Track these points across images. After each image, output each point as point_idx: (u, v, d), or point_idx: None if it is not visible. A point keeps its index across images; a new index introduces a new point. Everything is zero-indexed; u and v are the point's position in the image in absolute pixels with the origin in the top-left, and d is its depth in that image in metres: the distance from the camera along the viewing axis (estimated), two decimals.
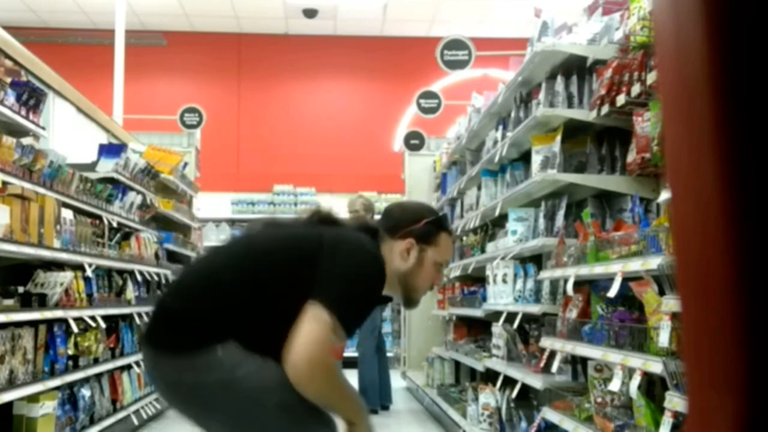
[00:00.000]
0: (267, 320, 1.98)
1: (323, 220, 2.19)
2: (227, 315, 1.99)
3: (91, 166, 5.57)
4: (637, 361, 2.67)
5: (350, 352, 10.26)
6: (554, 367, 3.64)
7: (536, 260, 4.61)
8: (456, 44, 7.53)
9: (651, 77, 3.04)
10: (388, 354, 10.25)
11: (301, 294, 1.94)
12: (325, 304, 1.92)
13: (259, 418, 1.97)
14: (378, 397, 6.52)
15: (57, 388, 4.19)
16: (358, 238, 2.12)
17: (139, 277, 5.94)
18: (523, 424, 4.20)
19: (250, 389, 1.95)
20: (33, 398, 3.90)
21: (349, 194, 11.73)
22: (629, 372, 2.80)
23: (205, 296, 2.04)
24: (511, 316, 4.57)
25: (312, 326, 1.91)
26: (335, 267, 2.01)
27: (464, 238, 6.45)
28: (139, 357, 5.47)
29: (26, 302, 3.89)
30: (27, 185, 3.99)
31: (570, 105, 4.01)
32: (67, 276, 4.34)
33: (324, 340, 1.91)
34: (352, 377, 2.17)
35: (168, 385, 2.03)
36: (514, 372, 4.34)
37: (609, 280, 3.05)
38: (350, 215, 5.10)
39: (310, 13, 11.60)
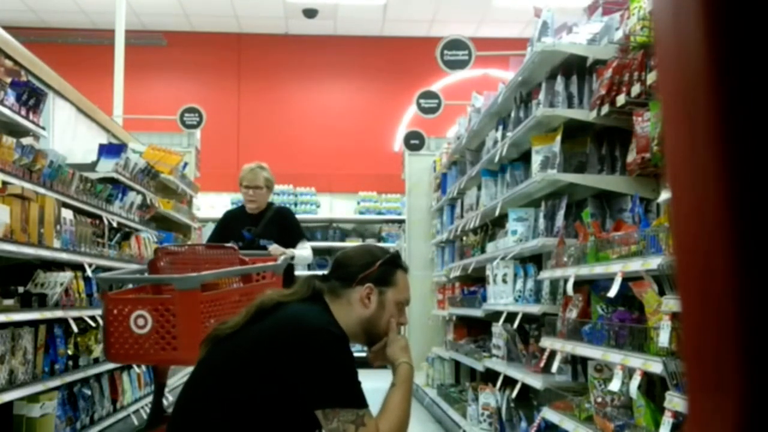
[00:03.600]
0: None
1: (264, 311, 2.14)
2: None
3: (91, 166, 5.57)
4: (637, 361, 2.67)
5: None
6: (554, 367, 3.64)
7: (536, 260, 4.61)
8: (456, 44, 7.53)
9: (651, 77, 3.04)
10: None
11: (286, 398, 1.97)
12: (334, 410, 1.96)
13: None
14: None
15: (57, 388, 4.18)
16: (314, 319, 2.09)
17: None
18: (523, 424, 4.20)
19: None
20: (33, 398, 3.90)
21: (350, 194, 11.83)
22: (629, 372, 2.80)
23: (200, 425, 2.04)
24: (511, 316, 4.57)
25: None
26: (315, 366, 1.99)
27: (464, 238, 6.45)
28: None
29: (26, 302, 3.89)
30: (27, 185, 3.99)
31: (570, 105, 4.01)
32: (67, 276, 4.34)
33: None
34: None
35: None
36: (514, 372, 4.34)
37: (609, 280, 3.05)
38: (252, 190, 4.88)
39: (310, 13, 11.60)
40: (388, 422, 2.04)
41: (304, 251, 4.79)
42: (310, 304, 2.17)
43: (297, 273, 4.81)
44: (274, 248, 4.49)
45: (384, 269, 2.24)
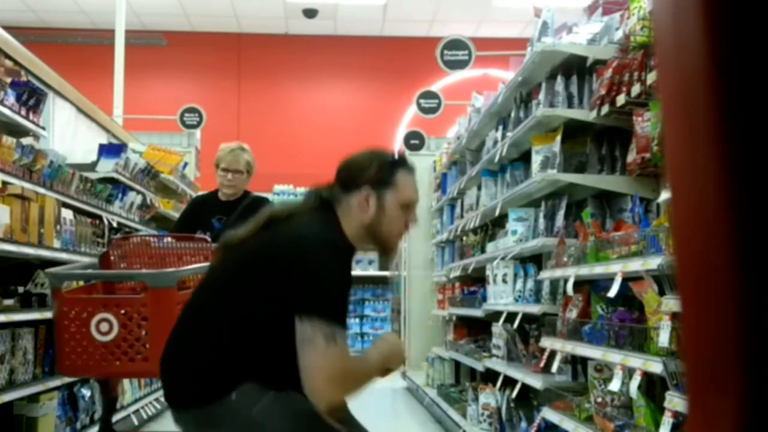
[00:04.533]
0: (267, 354, 1.97)
1: (274, 220, 2.09)
2: (228, 363, 1.97)
3: (91, 166, 5.57)
4: (637, 361, 2.67)
5: None
6: (554, 367, 3.64)
7: (536, 260, 4.61)
8: (456, 44, 7.53)
9: (651, 77, 3.04)
10: None
11: (287, 315, 1.92)
12: (311, 317, 1.89)
13: None
14: None
15: (57, 388, 4.18)
16: (308, 231, 2.03)
17: None
18: (523, 424, 4.20)
19: (268, 423, 1.93)
20: (33, 398, 3.90)
21: None
22: (629, 372, 2.80)
23: (199, 351, 2.02)
24: (511, 316, 4.57)
25: (311, 357, 1.88)
26: (300, 275, 1.94)
27: (464, 238, 6.45)
28: None
29: (26, 302, 3.89)
30: (27, 185, 3.99)
31: (570, 105, 4.01)
32: None
33: (328, 363, 1.88)
34: None
35: None
36: (514, 372, 4.34)
37: (609, 280, 3.05)
38: (231, 174, 4.24)
39: (310, 13, 11.60)
40: (352, 369, 1.98)
41: None
42: (318, 214, 2.10)
43: None
44: None
45: (382, 170, 2.11)
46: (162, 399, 6.26)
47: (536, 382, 3.84)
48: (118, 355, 2.89)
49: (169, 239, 3.53)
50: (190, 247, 3.35)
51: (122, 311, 2.90)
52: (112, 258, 3.40)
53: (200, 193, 5.48)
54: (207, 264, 2.92)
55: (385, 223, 2.11)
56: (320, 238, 2.02)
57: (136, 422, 5.48)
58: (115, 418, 5.09)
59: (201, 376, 1.99)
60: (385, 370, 2.10)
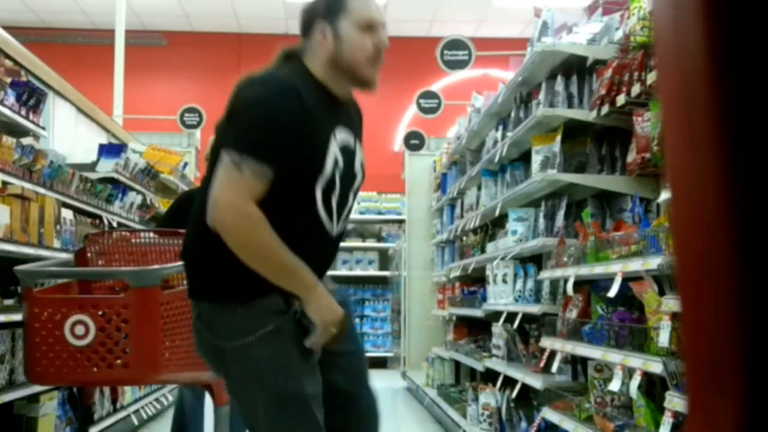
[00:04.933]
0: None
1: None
2: (216, 251, 1.89)
3: (91, 166, 5.57)
4: (637, 361, 2.67)
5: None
6: (554, 367, 3.64)
7: (536, 260, 4.61)
8: (456, 44, 7.53)
9: (651, 77, 3.04)
10: (388, 354, 10.29)
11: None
12: (227, 149, 1.84)
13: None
14: None
15: (57, 388, 4.18)
16: (254, 76, 1.95)
17: None
18: (523, 424, 4.20)
19: (254, 355, 1.92)
20: (33, 398, 3.90)
21: None
22: (629, 372, 2.80)
23: (193, 241, 2.02)
24: (511, 316, 4.57)
25: (214, 183, 1.84)
26: (228, 113, 1.92)
27: (464, 238, 6.45)
28: None
29: None
30: (27, 185, 3.99)
31: (570, 105, 4.01)
32: None
33: (224, 188, 1.82)
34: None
35: (196, 330, 2.00)
36: (514, 372, 4.34)
37: (609, 280, 3.05)
38: None
39: None
40: (256, 217, 1.84)
41: None
42: (281, 64, 2.03)
43: None
44: None
45: (329, 0, 1.99)
46: (162, 399, 6.26)
47: (536, 382, 3.84)
48: (96, 361, 2.60)
49: (152, 235, 3.22)
50: (175, 243, 3.00)
51: (100, 313, 2.61)
52: (89, 255, 3.11)
53: (191, 188, 4.95)
54: None
55: (347, 50, 1.99)
56: (262, 78, 1.95)
57: (136, 422, 5.48)
58: (115, 418, 5.10)
59: (200, 272, 2.00)
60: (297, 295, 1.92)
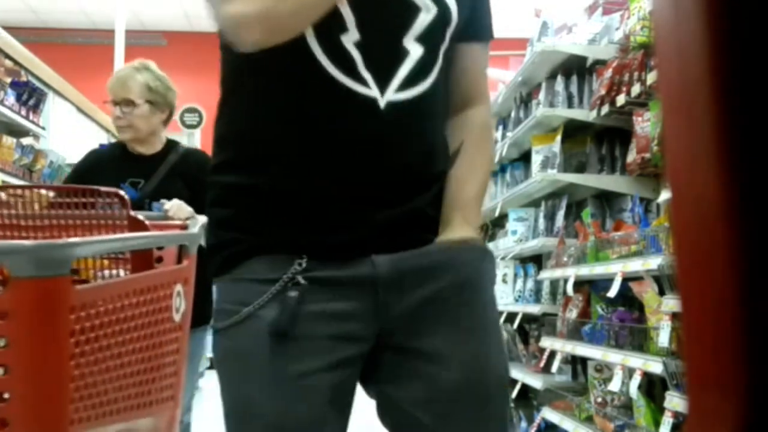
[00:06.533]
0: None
1: None
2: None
3: None
4: (637, 361, 2.67)
5: None
6: (554, 367, 3.64)
7: (536, 260, 4.61)
8: None
9: (651, 77, 3.04)
10: None
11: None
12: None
13: None
14: None
15: None
16: None
17: None
18: (523, 424, 4.20)
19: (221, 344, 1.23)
20: None
21: None
22: (629, 372, 2.80)
23: None
24: (511, 316, 4.57)
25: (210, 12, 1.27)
26: None
27: None
28: None
29: None
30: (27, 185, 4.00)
31: (570, 105, 4.01)
32: None
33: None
34: None
35: None
36: (514, 372, 4.34)
37: (609, 280, 3.05)
38: (120, 108, 2.90)
39: None
40: None
41: None
42: None
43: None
44: (175, 206, 2.51)
45: None
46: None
47: (536, 382, 3.84)
48: None
49: (44, 192, 1.84)
50: (89, 215, 1.66)
51: None
52: None
53: (100, 145, 3.72)
54: (136, 236, 1.57)
55: None
56: None
57: None
58: None
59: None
60: None
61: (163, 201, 2.57)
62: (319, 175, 1.15)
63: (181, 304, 1.51)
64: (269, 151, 1.20)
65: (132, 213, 1.67)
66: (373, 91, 1.16)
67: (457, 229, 1.22)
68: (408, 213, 1.18)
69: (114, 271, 1.65)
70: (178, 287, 1.46)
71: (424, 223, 1.21)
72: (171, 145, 3.03)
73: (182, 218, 2.30)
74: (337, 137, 1.15)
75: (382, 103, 1.15)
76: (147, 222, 1.67)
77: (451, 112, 1.30)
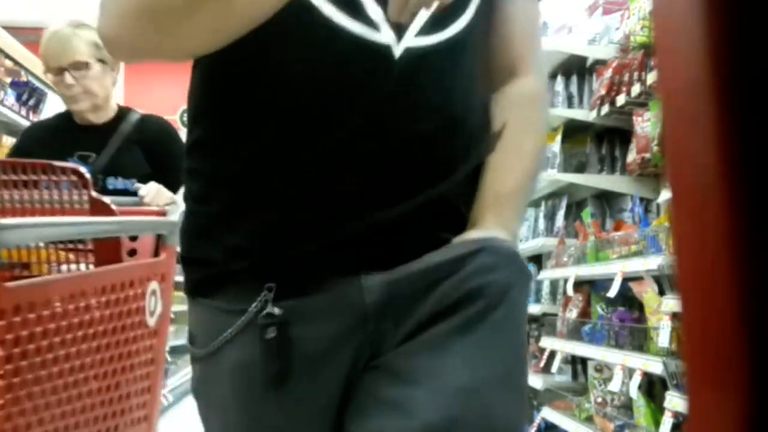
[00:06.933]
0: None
1: None
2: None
3: None
4: (637, 361, 2.67)
5: None
6: (554, 367, 3.64)
7: (536, 260, 4.61)
8: None
9: (651, 77, 3.04)
10: None
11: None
12: None
13: None
14: None
15: None
16: None
17: None
18: None
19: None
20: None
21: None
22: (629, 372, 2.80)
23: None
24: None
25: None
26: None
27: None
28: None
29: None
30: None
31: (570, 105, 4.01)
32: None
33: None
34: None
35: None
36: None
37: (609, 280, 3.05)
38: (70, 74, 2.52)
39: None
40: None
41: None
42: None
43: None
44: (153, 191, 2.15)
45: None
46: (161, 398, 6.25)
47: (536, 382, 3.84)
48: None
49: None
50: (41, 197, 1.39)
51: None
52: None
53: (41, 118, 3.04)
54: (96, 220, 1.33)
55: None
56: None
57: None
58: None
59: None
60: None
61: (138, 185, 2.20)
62: (298, 160, 0.85)
63: (156, 305, 1.25)
64: (243, 127, 0.88)
65: (95, 194, 1.32)
66: (384, 36, 0.85)
67: (484, 230, 0.91)
68: (421, 207, 0.87)
69: (74, 266, 1.29)
70: (153, 285, 1.24)
71: (445, 221, 0.91)
72: (124, 111, 2.52)
73: (161, 205, 2.00)
74: (331, 103, 0.84)
75: (397, 51, 0.85)
76: (116, 209, 1.32)
77: (493, 83, 0.99)
